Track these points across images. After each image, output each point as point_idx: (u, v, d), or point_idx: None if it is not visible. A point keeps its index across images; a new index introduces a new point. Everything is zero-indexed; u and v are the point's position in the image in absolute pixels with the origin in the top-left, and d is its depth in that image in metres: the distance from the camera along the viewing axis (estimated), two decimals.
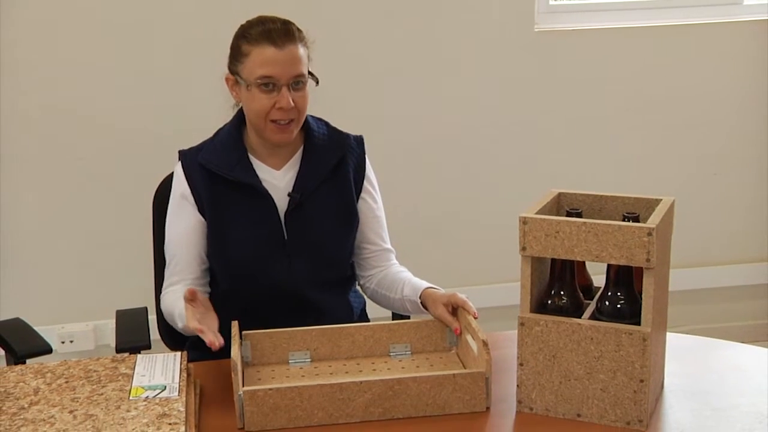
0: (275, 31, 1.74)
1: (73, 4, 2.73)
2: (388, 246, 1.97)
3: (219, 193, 1.83)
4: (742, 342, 1.84)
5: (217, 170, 1.82)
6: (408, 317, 1.98)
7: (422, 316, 1.81)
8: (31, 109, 2.78)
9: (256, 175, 1.83)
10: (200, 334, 1.51)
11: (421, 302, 1.79)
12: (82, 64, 2.77)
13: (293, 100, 1.75)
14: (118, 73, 2.79)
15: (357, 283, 2.00)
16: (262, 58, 1.74)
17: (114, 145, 2.83)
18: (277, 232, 1.83)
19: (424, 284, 1.83)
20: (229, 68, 1.82)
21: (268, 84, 1.75)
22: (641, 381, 1.43)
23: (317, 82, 1.81)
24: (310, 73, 1.80)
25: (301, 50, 1.77)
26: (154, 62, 2.80)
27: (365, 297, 2.03)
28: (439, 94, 2.99)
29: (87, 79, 2.78)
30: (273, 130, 1.79)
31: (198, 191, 1.83)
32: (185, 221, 1.85)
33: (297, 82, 1.76)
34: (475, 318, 1.64)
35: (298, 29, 1.79)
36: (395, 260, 1.97)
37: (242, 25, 1.81)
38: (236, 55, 1.79)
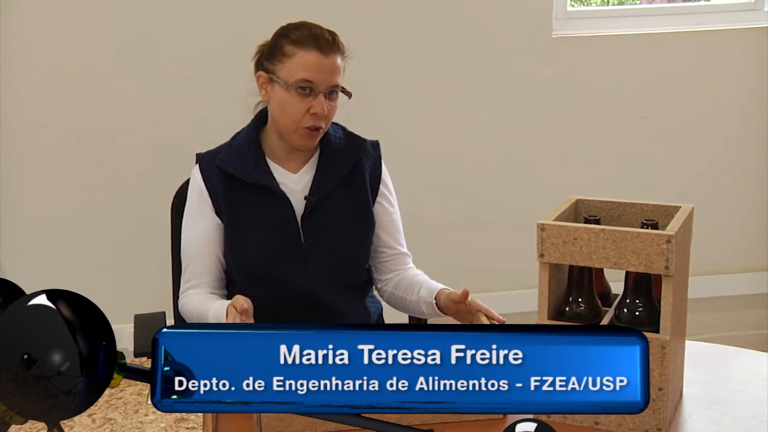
0: (322, 38, 1.76)
1: (91, 9, 2.75)
2: (405, 250, 1.96)
3: (236, 195, 1.83)
4: (762, 351, 1.83)
5: (235, 173, 1.82)
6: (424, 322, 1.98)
7: (438, 321, 1.80)
8: (50, 113, 2.80)
9: (274, 178, 1.83)
10: None
11: (437, 303, 1.79)
12: (101, 70, 2.79)
13: (326, 109, 1.77)
14: (136, 79, 2.81)
15: (374, 287, 2.00)
16: (306, 62, 1.75)
17: (132, 150, 2.85)
18: (294, 234, 1.83)
19: (440, 286, 1.83)
20: (264, 67, 1.82)
21: (306, 88, 1.76)
22: (660, 389, 1.42)
23: (350, 97, 1.82)
24: (342, 88, 1.81)
25: (341, 62, 1.79)
26: (173, 68, 2.82)
27: (382, 302, 2.03)
28: (456, 99, 2.99)
29: (104, 84, 2.80)
30: (301, 135, 1.80)
31: (215, 193, 1.83)
32: (202, 223, 1.85)
33: (332, 92, 1.78)
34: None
35: (342, 43, 1.81)
36: (412, 264, 1.97)
37: (285, 26, 1.81)
38: (276, 54, 1.79)
